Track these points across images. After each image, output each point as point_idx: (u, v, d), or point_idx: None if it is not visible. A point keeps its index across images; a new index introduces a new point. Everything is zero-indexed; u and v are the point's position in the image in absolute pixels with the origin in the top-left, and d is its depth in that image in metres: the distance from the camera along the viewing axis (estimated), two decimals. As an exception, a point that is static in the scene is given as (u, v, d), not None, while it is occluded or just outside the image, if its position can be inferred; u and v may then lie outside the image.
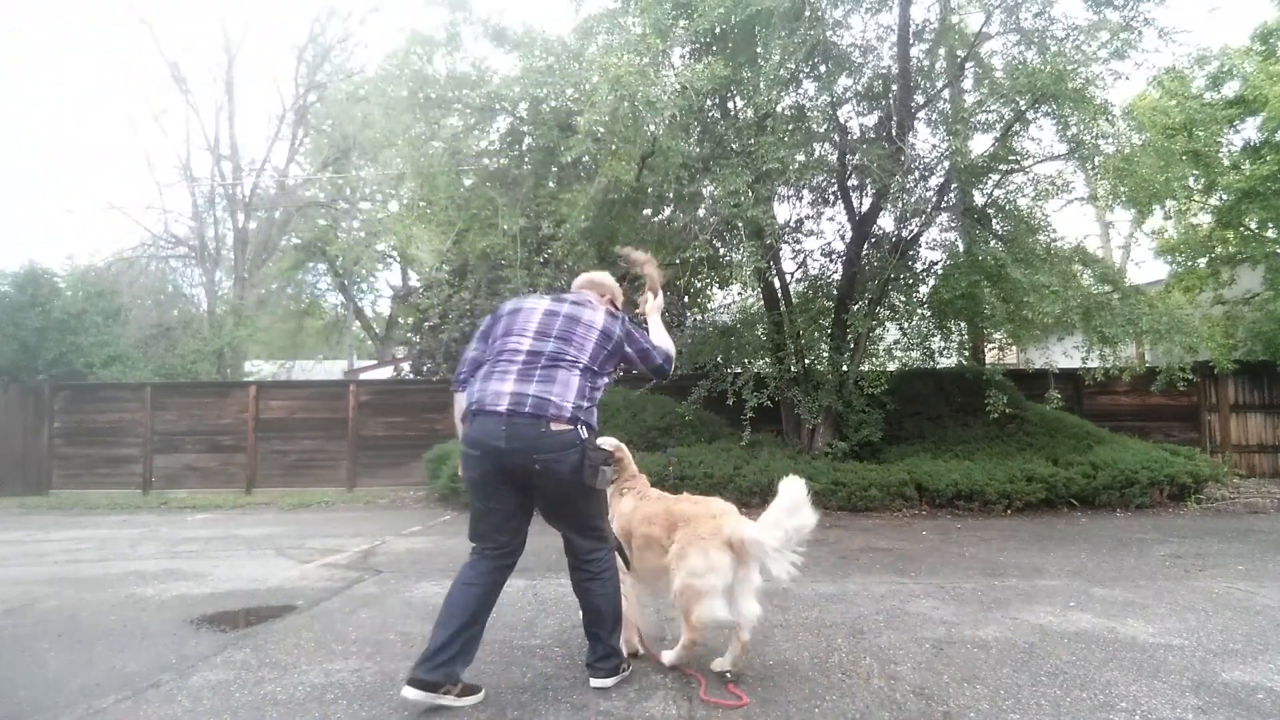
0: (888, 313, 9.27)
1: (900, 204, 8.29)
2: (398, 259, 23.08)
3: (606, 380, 2.77)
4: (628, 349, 2.80)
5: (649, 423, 9.28)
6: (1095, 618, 3.63)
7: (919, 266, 9.23)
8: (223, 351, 16.84)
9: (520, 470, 2.48)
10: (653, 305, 3.15)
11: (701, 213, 8.29)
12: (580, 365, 2.61)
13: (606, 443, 3.06)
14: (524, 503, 2.60)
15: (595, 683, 2.65)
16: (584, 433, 2.53)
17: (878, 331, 9.40)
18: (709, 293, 12.82)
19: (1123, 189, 8.52)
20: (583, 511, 2.65)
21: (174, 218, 20.98)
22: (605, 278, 3.14)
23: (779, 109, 7.98)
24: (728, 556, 2.63)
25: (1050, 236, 8.57)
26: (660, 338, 2.98)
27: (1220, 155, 10.64)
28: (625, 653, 2.85)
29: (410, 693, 2.40)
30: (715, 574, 2.61)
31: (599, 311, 2.79)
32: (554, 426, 2.45)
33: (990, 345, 10.95)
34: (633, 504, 3.04)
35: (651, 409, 9.51)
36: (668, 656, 2.88)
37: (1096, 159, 7.71)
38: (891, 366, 9.70)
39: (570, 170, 8.55)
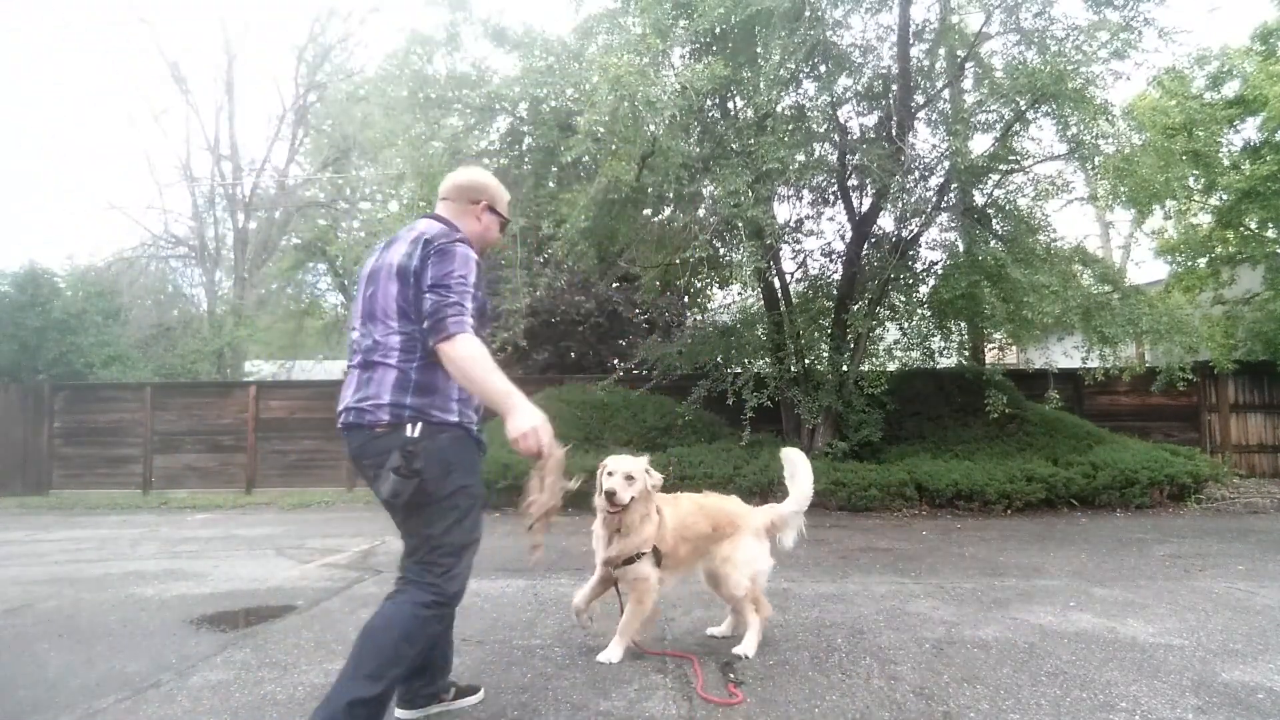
0: (888, 313, 9.28)
1: (900, 204, 8.30)
2: (398, 259, 22.99)
3: None
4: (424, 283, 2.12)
5: (649, 423, 9.28)
6: (1095, 618, 3.63)
7: (919, 266, 9.25)
8: (223, 351, 16.83)
9: (369, 476, 2.20)
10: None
11: (701, 213, 8.30)
12: (394, 346, 2.15)
13: (620, 471, 2.78)
14: None
15: None
16: (413, 430, 2.09)
17: (878, 331, 9.41)
18: (709, 293, 12.82)
19: (1123, 189, 8.53)
20: (418, 521, 2.16)
21: (174, 218, 20.99)
22: (474, 175, 2.44)
23: (779, 109, 7.99)
24: (768, 542, 3.21)
25: (1050, 236, 8.59)
26: (482, 367, 2.05)
27: (1220, 155, 10.66)
28: (621, 652, 2.87)
29: (403, 712, 2.38)
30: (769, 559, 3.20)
31: (402, 244, 2.19)
32: (378, 430, 2.14)
33: (990, 345, 10.96)
34: (671, 509, 3.08)
35: (651, 409, 9.51)
36: (748, 646, 2.99)
37: (1096, 159, 7.73)
38: (891, 366, 9.71)
39: (570, 170, 8.54)
